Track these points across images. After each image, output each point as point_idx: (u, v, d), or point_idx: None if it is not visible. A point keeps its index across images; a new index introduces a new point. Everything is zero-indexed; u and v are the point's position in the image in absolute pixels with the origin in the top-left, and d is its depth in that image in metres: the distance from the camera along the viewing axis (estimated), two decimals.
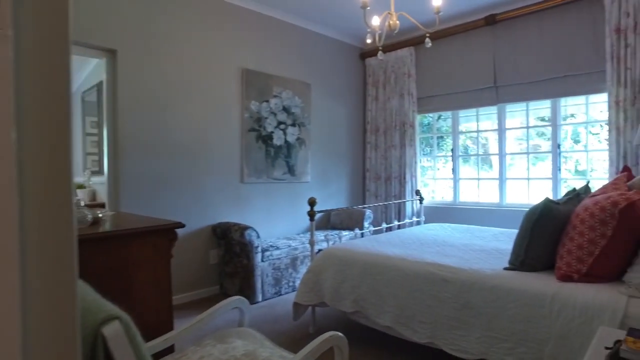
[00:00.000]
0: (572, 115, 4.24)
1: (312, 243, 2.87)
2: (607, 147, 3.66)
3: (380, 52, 3.09)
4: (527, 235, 2.00)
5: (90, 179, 4.80)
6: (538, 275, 1.91)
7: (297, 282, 3.83)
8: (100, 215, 1.68)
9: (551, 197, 4.11)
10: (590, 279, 1.75)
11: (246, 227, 3.48)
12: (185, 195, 3.63)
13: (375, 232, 4.14)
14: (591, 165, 4.33)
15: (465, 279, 2.03)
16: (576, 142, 4.28)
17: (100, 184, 4.17)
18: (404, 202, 4.72)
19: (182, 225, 1.52)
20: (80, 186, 4.97)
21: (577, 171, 4.21)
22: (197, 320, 1.46)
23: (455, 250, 2.60)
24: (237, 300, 1.60)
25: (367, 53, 5.32)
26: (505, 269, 2.05)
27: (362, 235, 3.77)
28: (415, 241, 2.96)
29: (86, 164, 5.34)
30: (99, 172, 6.08)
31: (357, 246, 2.76)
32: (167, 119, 3.50)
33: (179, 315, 3.28)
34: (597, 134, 4.26)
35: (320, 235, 4.20)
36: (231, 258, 3.70)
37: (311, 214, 2.83)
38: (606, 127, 4.14)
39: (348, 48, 5.23)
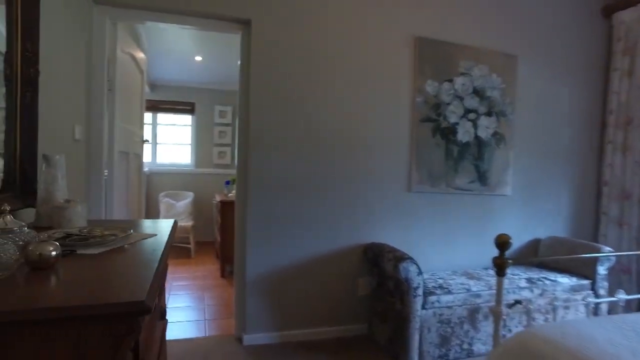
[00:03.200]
0: None
1: (497, 314, 1.64)
2: None
3: None
4: None
5: None
6: None
7: (476, 346, 2.59)
8: (52, 252, 0.90)
9: None
10: None
11: (402, 257, 2.45)
12: (331, 204, 2.83)
13: (626, 307, 2.47)
14: None
15: None
16: None
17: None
18: None
19: (145, 310, 0.66)
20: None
21: None
22: None
23: None
24: None
25: (614, 5, 3.50)
26: None
27: (596, 307, 2.24)
28: None
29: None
30: (230, 166, 6.01)
31: (589, 343, 1.41)
32: (308, 107, 2.75)
33: (314, 358, 2.52)
34: None
35: (519, 279, 2.80)
36: (383, 295, 2.73)
37: (500, 265, 1.61)
38: None
39: (580, 0, 3.53)
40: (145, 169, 5.56)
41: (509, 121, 3.27)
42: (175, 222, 1.73)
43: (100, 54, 2.57)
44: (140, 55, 3.36)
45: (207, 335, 2.86)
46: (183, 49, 4.81)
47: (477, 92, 3.15)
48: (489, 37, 3.18)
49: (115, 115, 2.72)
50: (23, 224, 0.92)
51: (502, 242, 1.63)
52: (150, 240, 1.32)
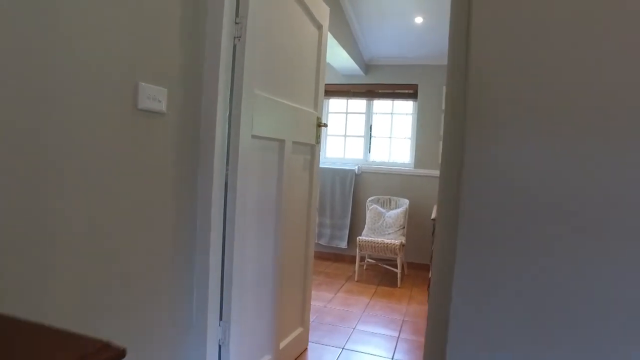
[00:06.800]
0: None
1: None
2: None
3: None
4: None
5: None
6: None
7: None
8: None
9: None
10: None
11: None
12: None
13: None
14: None
15: None
16: None
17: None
18: None
19: None
20: None
21: None
22: None
23: None
24: None
25: None
26: None
27: None
28: None
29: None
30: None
31: None
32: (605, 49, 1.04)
33: None
34: None
35: None
36: None
37: None
38: None
39: None
40: (354, 167, 4.65)
41: None
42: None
43: None
44: (317, 2, 2.33)
45: None
46: (398, 9, 3.62)
47: None
48: None
49: (245, 78, 1.73)
50: None
51: None
52: None
